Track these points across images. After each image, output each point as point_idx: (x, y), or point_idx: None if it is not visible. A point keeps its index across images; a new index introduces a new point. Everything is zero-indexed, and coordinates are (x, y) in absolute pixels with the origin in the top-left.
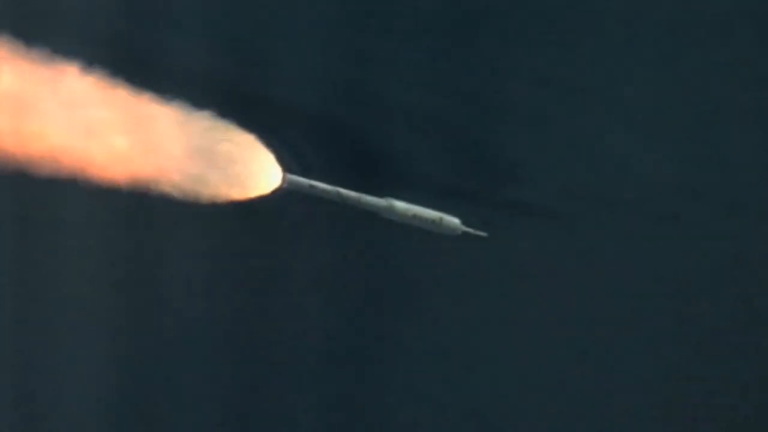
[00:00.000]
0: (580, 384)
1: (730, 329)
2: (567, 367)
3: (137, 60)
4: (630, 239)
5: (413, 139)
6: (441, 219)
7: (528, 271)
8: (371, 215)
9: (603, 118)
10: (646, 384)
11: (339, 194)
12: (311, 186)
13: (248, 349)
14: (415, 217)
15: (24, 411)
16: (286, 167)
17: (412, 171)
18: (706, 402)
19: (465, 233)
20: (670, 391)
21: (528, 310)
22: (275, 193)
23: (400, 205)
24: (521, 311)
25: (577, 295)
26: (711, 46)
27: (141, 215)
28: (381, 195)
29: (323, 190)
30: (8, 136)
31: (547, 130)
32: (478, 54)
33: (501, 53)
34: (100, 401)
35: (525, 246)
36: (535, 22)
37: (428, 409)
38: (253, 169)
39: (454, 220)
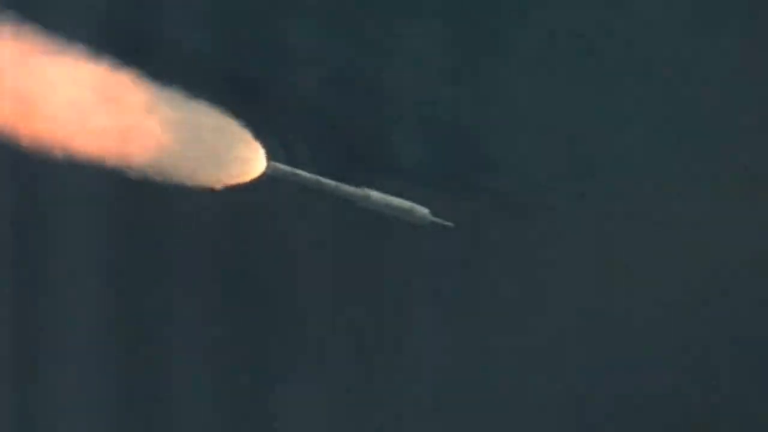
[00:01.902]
0: (556, 376)
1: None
2: (539, 359)
3: (130, 44)
4: (603, 231)
5: (397, 130)
6: (412, 208)
7: (496, 262)
8: (348, 203)
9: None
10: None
11: (319, 182)
12: (294, 174)
13: (233, 337)
14: (387, 206)
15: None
16: (271, 154)
17: (393, 161)
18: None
19: (433, 223)
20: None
21: (494, 299)
22: (259, 180)
23: (375, 194)
24: (487, 300)
25: (544, 286)
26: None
27: (121, 197)
28: (359, 185)
29: (304, 178)
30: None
31: (527, 120)
32: (464, 42)
33: (486, 42)
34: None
35: (493, 237)
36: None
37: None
38: (237, 155)
39: (423, 210)
